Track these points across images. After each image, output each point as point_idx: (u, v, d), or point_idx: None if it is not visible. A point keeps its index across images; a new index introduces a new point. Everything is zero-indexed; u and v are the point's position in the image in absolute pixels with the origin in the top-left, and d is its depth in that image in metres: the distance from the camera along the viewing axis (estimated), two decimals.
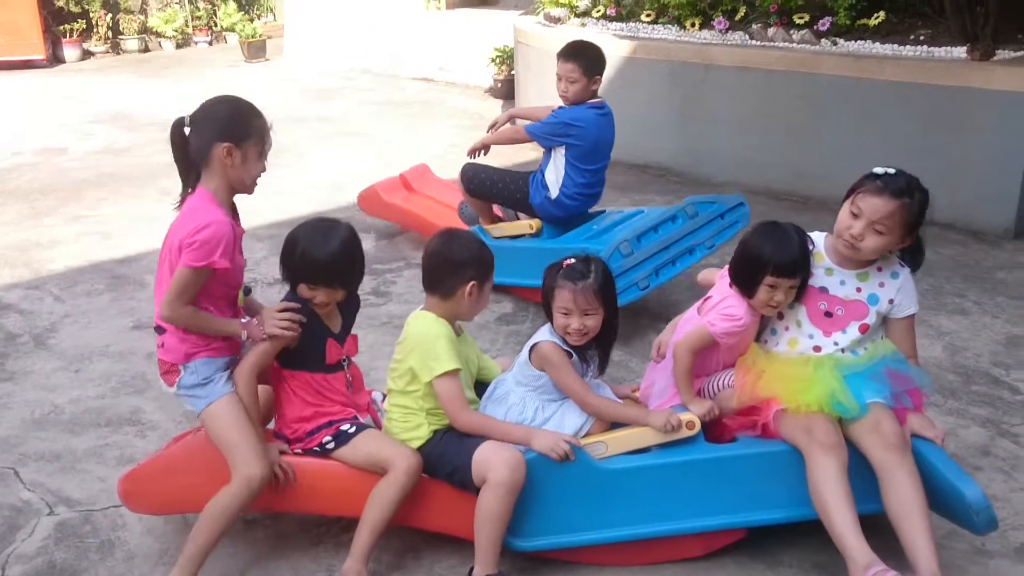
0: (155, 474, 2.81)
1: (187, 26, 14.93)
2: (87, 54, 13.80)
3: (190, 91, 10.86)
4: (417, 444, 2.74)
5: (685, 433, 2.71)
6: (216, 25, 15.27)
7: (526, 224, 4.64)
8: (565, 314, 2.69)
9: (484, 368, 3.01)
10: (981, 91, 5.56)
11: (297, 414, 2.82)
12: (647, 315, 4.48)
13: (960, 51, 5.85)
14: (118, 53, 14.22)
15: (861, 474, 2.60)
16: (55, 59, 13.31)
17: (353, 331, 2.95)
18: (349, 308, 2.94)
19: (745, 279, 2.78)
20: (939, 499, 2.61)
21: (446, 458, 2.69)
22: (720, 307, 2.83)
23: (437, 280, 2.74)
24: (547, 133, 4.51)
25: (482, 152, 4.90)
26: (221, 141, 2.69)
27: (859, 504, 2.62)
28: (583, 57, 4.48)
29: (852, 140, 6.08)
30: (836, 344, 2.78)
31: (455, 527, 2.76)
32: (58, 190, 6.85)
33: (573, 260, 2.73)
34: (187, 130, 2.73)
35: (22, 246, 5.65)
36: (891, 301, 2.78)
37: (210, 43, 15.11)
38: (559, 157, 4.51)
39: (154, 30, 14.64)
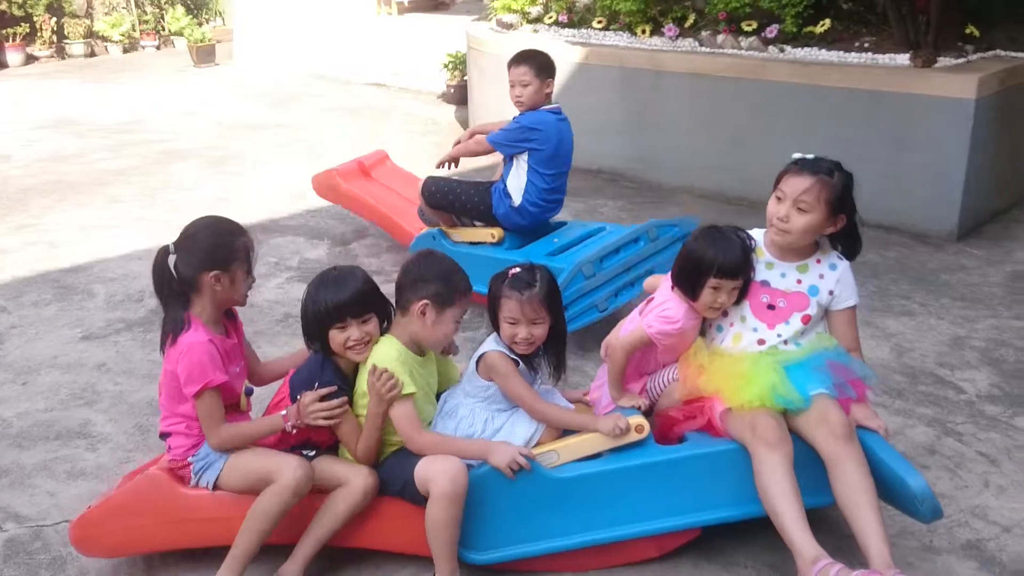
0: (105, 517, 2.76)
1: (134, 30, 14.72)
2: (31, 59, 13.54)
3: (138, 96, 10.73)
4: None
5: (635, 437, 2.73)
6: (164, 29, 15.07)
7: (488, 233, 4.65)
8: (512, 323, 2.70)
9: (452, 381, 3.00)
10: (923, 97, 5.69)
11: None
12: (603, 320, 4.50)
13: (903, 58, 5.97)
14: (63, 58, 13.96)
15: (811, 466, 2.65)
16: None
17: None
18: None
19: (688, 283, 2.83)
20: (886, 489, 2.67)
21: (395, 474, 2.70)
22: (658, 309, 2.89)
23: (398, 294, 2.75)
24: (509, 140, 4.53)
25: (451, 165, 4.89)
26: (208, 270, 2.66)
27: (810, 496, 2.68)
28: (533, 60, 4.53)
29: (799, 145, 5.96)
30: (780, 336, 2.85)
31: (410, 544, 2.75)
32: (2, 198, 6.72)
33: (518, 269, 2.75)
34: (172, 259, 2.69)
35: None
36: (831, 292, 2.86)
37: (158, 47, 14.90)
38: (521, 164, 4.52)
39: (100, 34, 14.41)
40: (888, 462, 2.62)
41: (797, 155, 2.85)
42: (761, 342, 2.86)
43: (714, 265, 2.76)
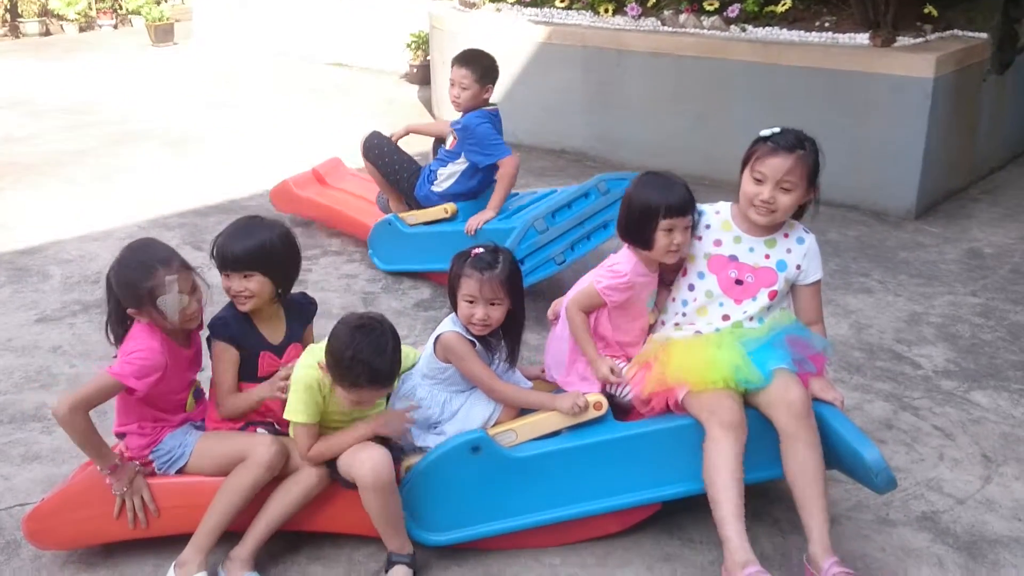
0: (58, 510, 2.71)
1: (90, 9, 14.45)
2: None
3: (95, 76, 10.54)
4: None
5: (593, 414, 2.74)
6: (121, 8, 14.81)
7: (441, 209, 4.63)
8: (470, 302, 2.69)
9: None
10: (882, 76, 5.73)
11: (215, 418, 2.82)
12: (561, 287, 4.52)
13: (863, 38, 6.01)
14: (17, 36, 13.70)
15: (768, 440, 2.66)
16: None
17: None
18: (298, 315, 2.93)
19: (639, 231, 2.78)
20: (841, 460, 2.70)
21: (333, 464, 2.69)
22: (607, 264, 2.88)
23: None
24: (489, 151, 4.54)
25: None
26: (128, 307, 2.63)
27: (764, 470, 2.73)
28: (477, 64, 4.57)
29: (761, 124, 5.97)
30: (745, 312, 2.84)
31: (363, 526, 2.71)
32: None
33: (481, 250, 2.73)
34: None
35: None
36: (798, 267, 2.85)
37: (115, 26, 14.66)
38: (461, 164, 4.64)
39: (55, 12, 14.14)
40: (843, 434, 2.64)
41: (764, 132, 2.80)
42: (726, 318, 2.85)
43: (661, 206, 2.71)
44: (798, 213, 2.87)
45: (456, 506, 2.71)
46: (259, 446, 2.62)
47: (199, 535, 2.62)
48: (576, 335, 2.89)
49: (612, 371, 2.82)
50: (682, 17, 6.71)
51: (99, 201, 6.13)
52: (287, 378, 2.65)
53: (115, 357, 2.64)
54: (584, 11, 7.26)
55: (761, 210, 2.76)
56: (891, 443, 3.42)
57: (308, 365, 2.61)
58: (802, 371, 2.73)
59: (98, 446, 2.62)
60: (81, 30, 14.28)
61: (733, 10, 6.53)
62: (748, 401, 2.71)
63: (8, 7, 13.55)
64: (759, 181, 2.74)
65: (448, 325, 2.75)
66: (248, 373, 2.80)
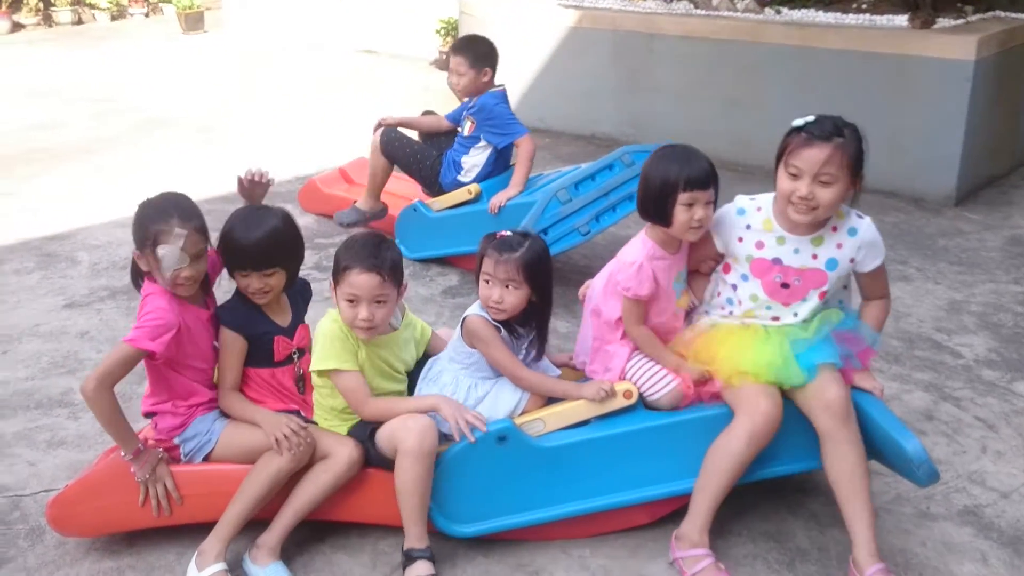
0: (81, 497, 2.68)
1: None
2: (17, 26, 13.33)
3: (125, 65, 10.57)
4: None
5: (622, 402, 2.66)
6: None
7: (464, 191, 4.59)
8: (487, 282, 2.62)
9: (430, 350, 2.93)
10: (921, 59, 5.60)
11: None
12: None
13: (901, 19, 5.87)
14: (50, 25, 13.76)
15: (806, 430, 2.58)
16: None
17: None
18: (299, 297, 2.87)
19: (657, 206, 2.64)
20: (881, 451, 2.62)
21: (360, 439, 2.64)
22: (619, 257, 2.76)
23: None
24: (506, 131, 4.59)
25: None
26: (136, 247, 2.61)
27: (802, 461, 2.69)
28: (469, 51, 4.66)
29: (795, 109, 5.94)
30: (796, 315, 2.68)
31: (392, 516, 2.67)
32: None
33: (509, 233, 2.66)
34: None
35: None
36: (852, 260, 2.64)
37: (147, 14, 14.68)
38: (484, 146, 4.64)
39: (87, 1, 14.19)
40: (884, 425, 2.55)
41: (798, 121, 2.54)
42: (775, 319, 2.71)
43: (680, 178, 2.59)
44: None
45: (483, 497, 2.65)
46: (342, 447, 2.59)
47: (222, 524, 2.58)
48: (648, 351, 2.75)
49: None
50: (715, 0, 6.59)
51: (126, 188, 6.11)
52: (287, 436, 2.57)
53: None
54: None
55: (800, 207, 2.53)
56: (931, 434, 3.32)
57: (331, 318, 2.62)
58: (848, 367, 2.63)
59: (123, 429, 2.58)
60: (113, 18, 14.31)
61: None
62: (787, 396, 2.62)
63: None
64: (795, 176, 2.50)
65: (474, 309, 2.69)
66: (264, 358, 2.74)
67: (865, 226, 2.64)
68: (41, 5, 13.63)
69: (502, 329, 2.67)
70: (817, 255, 2.64)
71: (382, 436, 2.58)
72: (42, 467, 3.14)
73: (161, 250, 2.52)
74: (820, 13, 6.21)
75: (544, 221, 4.04)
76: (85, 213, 5.59)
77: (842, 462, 2.52)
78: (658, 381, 2.72)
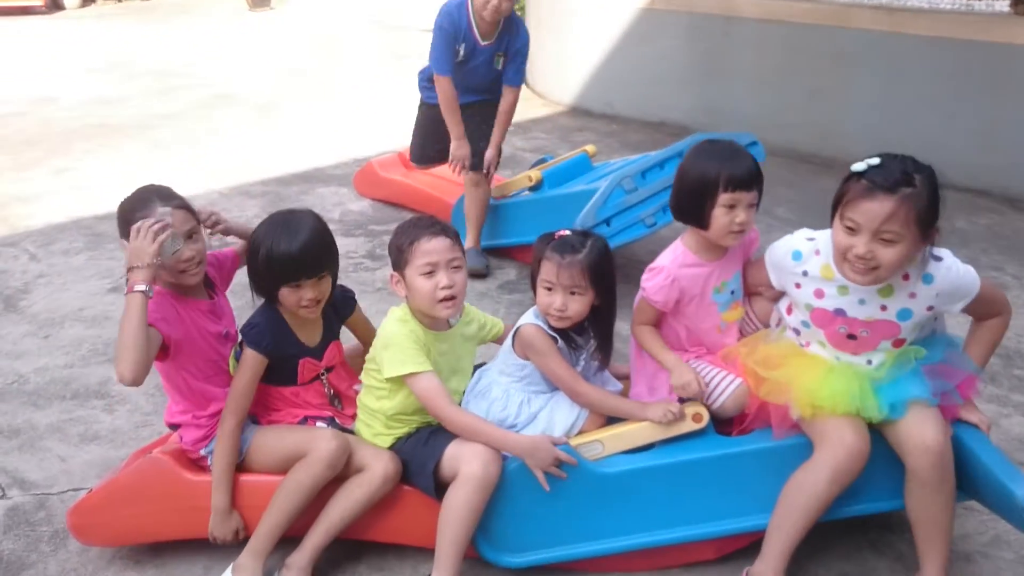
0: (104, 504, 2.52)
1: None
2: (87, 1, 13.44)
3: (190, 40, 10.54)
4: None
5: (691, 426, 2.40)
6: None
7: (524, 177, 4.36)
8: (548, 290, 2.36)
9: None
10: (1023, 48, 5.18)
11: (266, 418, 2.57)
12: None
13: (1003, 4, 5.47)
14: (120, 0, 13.84)
15: (894, 466, 2.30)
16: (54, 5, 12.99)
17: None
18: (333, 311, 2.64)
19: (695, 207, 2.40)
20: (982, 492, 2.32)
21: (411, 460, 2.41)
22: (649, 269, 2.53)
23: None
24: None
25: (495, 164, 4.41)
26: (121, 238, 2.43)
27: (888, 500, 2.40)
28: None
29: (882, 99, 5.71)
30: (871, 362, 2.37)
31: (418, 536, 2.47)
32: (44, 141, 6.56)
33: (568, 232, 2.40)
34: None
35: (2, 200, 5.36)
36: (930, 308, 2.29)
37: None
38: None
39: None
40: (988, 464, 2.25)
41: (858, 166, 2.15)
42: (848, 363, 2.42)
43: (720, 176, 2.34)
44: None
45: (534, 525, 2.41)
46: (319, 440, 2.37)
47: (256, 538, 2.39)
48: (648, 349, 2.54)
49: (691, 386, 2.41)
50: None
51: (182, 165, 6.01)
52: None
53: None
54: None
55: (858, 267, 2.17)
56: None
57: (398, 319, 2.42)
58: (946, 403, 2.31)
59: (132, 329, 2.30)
60: None
61: None
62: (876, 428, 2.32)
63: None
64: (852, 231, 2.14)
65: (529, 317, 2.44)
66: (287, 378, 2.53)
67: (942, 270, 2.24)
68: None
69: (558, 339, 2.42)
70: (887, 306, 2.29)
71: (444, 461, 2.35)
72: (73, 463, 2.99)
73: (137, 233, 2.31)
74: None
75: (607, 211, 3.77)
76: None
77: (929, 510, 2.24)
78: (719, 384, 2.46)
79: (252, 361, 2.46)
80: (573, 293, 2.35)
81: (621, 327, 3.72)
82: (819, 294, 2.35)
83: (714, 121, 6.50)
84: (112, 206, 5.14)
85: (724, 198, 2.37)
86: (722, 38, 6.38)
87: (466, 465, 2.31)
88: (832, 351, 2.40)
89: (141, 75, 8.71)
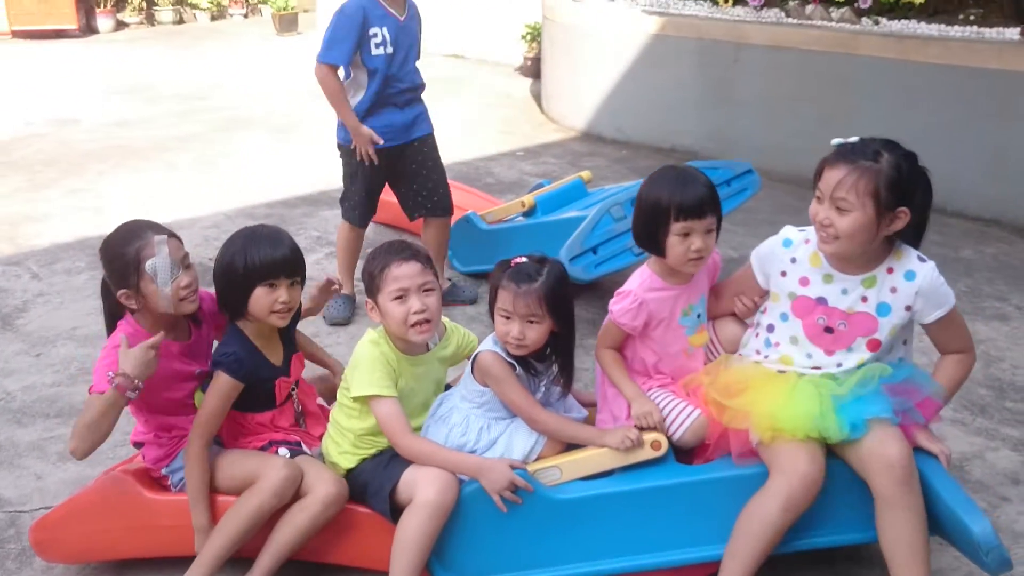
0: (65, 521, 2.53)
1: None
2: (120, 24, 13.71)
3: (217, 64, 10.70)
4: (343, 470, 2.47)
5: (649, 453, 2.37)
6: None
7: (518, 203, 4.36)
8: (505, 318, 2.36)
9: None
10: None
11: (232, 444, 2.58)
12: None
13: (1013, 32, 5.39)
14: (152, 24, 14.11)
15: (860, 496, 2.26)
16: (88, 29, 13.23)
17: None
18: (288, 330, 2.66)
19: (651, 235, 2.42)
20: (943, 528, 2.27)
21: (370, 482, 2.41)
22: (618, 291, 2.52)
23: None
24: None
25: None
26: (116, 289, 2.41)
27: (855, 532, 2.36)
28: None
29: (892, 127, 5.55)
30: (840, 365, 2.36)
31: (376, 559, 2.44)
32: (61, 162, 6.67)
33: (524, 259, 2.39)
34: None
35: (13, 220, 5.45)
36: (908, 308, 2.31)
37: (245, 15, 14.96)
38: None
39: (189, 1, 14.51)
40: (947, 499, 2.20)
41: (837, 140, 2.29)
42: (816, 368, 2.39)
43: (671, 205, 2.35)
44: (911, 237, 2.33)
45: (490, 550, 2.39)
46: (269, 468, 2.37)
47: (201, 559, 2.39)
48: (609, 376, 2.54)
49: (651, 416, 2.40)
50: (808, 8, 6.19)
51: (194, 188, 6.09)
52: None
53: None
54: (702, 1, 6.81)
55: (822, 235, 2.26)
56: (1016, 502, 2.92)
57: (371, 341, 2.44)
58: (907, 422, 2.28)
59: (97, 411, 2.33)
60: (213, 19, 14.61)
61: (866, 1, 5.98)
62: (837, 453, 2.29)
63: None
64: (818, 200, 2.26)
65: (488, 344, 2.43)
66: (264, 403, 2.55)
67: (925, 271, 2.30)
68: (144, 4, 13.98)
69: (517, 366, 2.40)
70: (867, 298, 2.32)
71: (401, 485, 2.35)
72: (48, 481, 3.02)
73: (151, 267, 2.34)
74: (922, 24, 5.76)
75: (594, 238, 3.76)
76: (146, 213, 5.46)
77: (900, 531, 2.19)
78: (678, 415, 2.45)
79: (227, 388, 2.45)
80: (531, 321, 2.34)
81: (588, 355, 3.71)
82: (804, 282, 2.38)
83: (723, 147, 6.47)
84: None
85: (676, 227, 2.38)
86: (731, 65, 6.36)
87: (421, 491, 2.31)
88: (806, 347, 2.39)
89: (164, 98, 8.85)
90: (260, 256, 2.43)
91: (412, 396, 2.48)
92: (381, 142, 3.90)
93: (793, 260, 2.40)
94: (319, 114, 8.16)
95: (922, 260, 2.32)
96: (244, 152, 6.99)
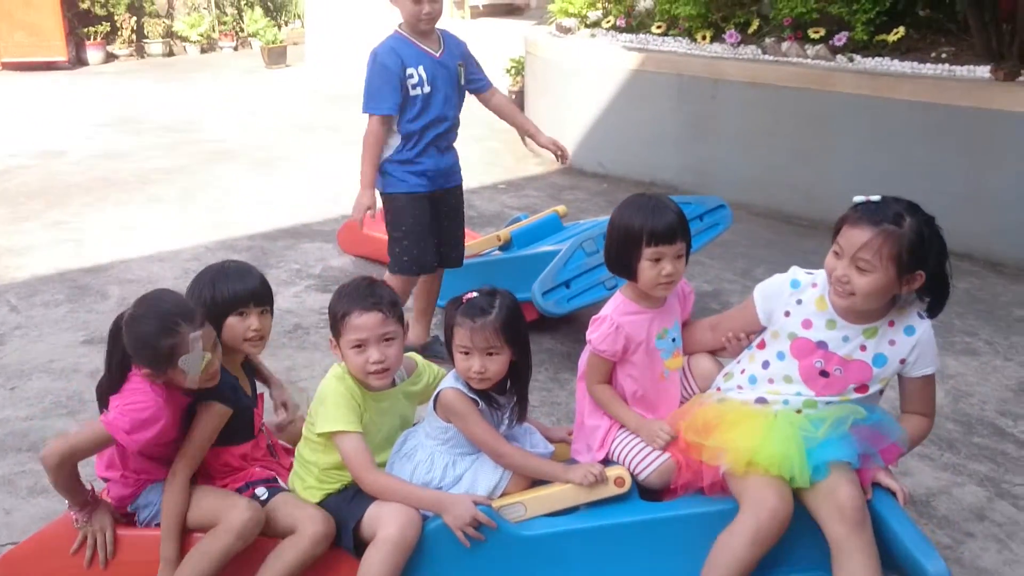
0: (32, 556, 2.51)
1: (212, 31, 14.88)
2: (110, 57, 13.80)
3: (204, 96, 10.77)
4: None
5: (613, 490, 2.39)
6: (243, 31, 15.21)
7: (494, 237, 4.40)
8: (465, 354, 2.38)
9: None
10: (1005, 113, 5.19)
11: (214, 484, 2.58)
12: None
13: (984, 70, 5.47)
14: (142, 57, 14.21)
15: (818, 533, 2.27)
16: (78, 61, 13.32)
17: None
18: (248, 362, 2.70)
19: (623, 260, 2.48)
20: (900, 566, 2.28)
21: (335, 517, 2.41)
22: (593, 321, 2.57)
23: None
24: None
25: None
26: (140, 367, 2.38)
27: (814, 570, 2.35)
28: None
29: (866, 162, 5.73)
30: (828, 404, 2.40)
31: None
32: (46, 194, 6.70)
33: (475, 294, 2.42)
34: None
35: None
36: (903, 361, 2.36)
37: (235, 48, 15.07)
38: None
39: (179, 34, 14.61)
40: (903, 537, 2.22)
41: (859, 198, 2.30)
42: (798, 410, 2.43)
43: (643, 231, 2.40)
44: (935, 302, 2.34)
45: None
46: (232, 510, 2.37)
47: None
48: (608, 410, 2.56)
49: (660, 436, 2.45)
50: (784, 45, 6.28)
51: (176, 220, 6.12)
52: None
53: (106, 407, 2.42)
54: (681, 38, 6.91)
55: (837, 289, 2.30)
56: (980, 538, 2.95)
57: (336, 376, 2.46)
58: (867, 466, 2.32)
59: (73, 490, 2.45)
60: (203, 51, 14.72)
61: (840, 39, 6.07)
62: (796, 497, 2.31)
63: (135, 28, 14.05)
64: (837, 255, 2.28)
65: (449, 381, 2.46)
66: (244, 434, 2.56)
67: (924, 328, 2.35)
68: (134, 37, 14.08)
69: (480, 401, 2.43)
70: (866, 347, 2.36)
71: (364, 521, 2.37)
72: (17, 516, 3.03)
73: (184, 363, 2.31)
74: (895, 62, 5.84)
75: (567, 272, 3.81)
76: (127, 245, 5.59)
77: (853, 573, 2.20)
78: (645, 457, 2.47)
79: (219, 418, 2.47)
80: (489, 354, 2.37)
81: (560, 393, 3.73)
82: (807, 324, 2.42)
83: (702, 181, 6.54)
84: (100, 259, 5.29)
85: (648, 252, 2.43)
86: (710, 100, 6.44)
87: (383, 528, 2.32)
88: (798, 387, 2.42)
89: (150, 130, 8.90)
90: (229, 288, 2.49)
91: (376, 431, 2.49)
92: (374, 217, 3.75)
93: (799, 302, 2.43)
94: (304, 147, 8.25)
95: (921, 317, 2.36)
96: (227, 185, 7.03)
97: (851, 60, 6.00)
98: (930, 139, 5.45)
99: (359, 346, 2.38)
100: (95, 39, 13.49)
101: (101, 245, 5.60)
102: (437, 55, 3.78)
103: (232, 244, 5.65)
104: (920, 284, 2.27)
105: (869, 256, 2.20)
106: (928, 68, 5.71)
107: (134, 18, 14.02)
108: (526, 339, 2.45)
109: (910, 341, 2.34)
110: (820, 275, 2.41)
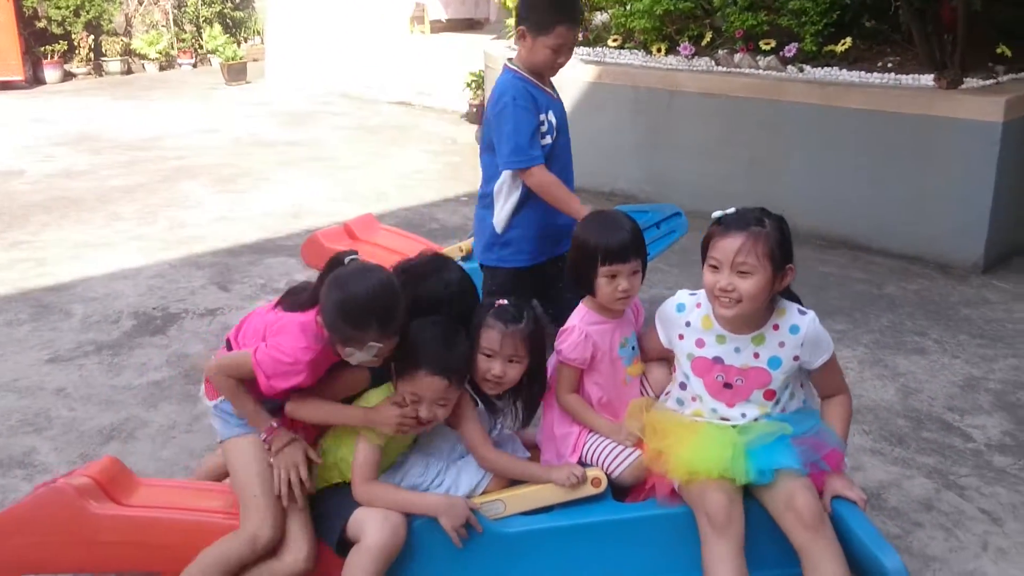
0: (1, 532, 2.52)
1: (171, 48, 14.82)
2: (68, 75, 13.69)
3: (164, 114, 10.74)
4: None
5: (590, 490, 2.47)
6: (201, 48, 15.17)
7: (456, 248, 4.46)
8: (488, 356, 2.46)
9: None
10: (948, 120, 5.37)
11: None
12: None
13: (928, 79, 5.66)
14: (100, 75, 14.11)
15: (778, 531, 2.37)
16: (35, 80, 13.20)
17: None
18: None
19: (581, 276, 2.58)
20: (857, 564, 2.38)
21: (324, 514, 2.46)
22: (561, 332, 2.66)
23: None
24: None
25: None
26: (330, 333, 2.32)
27: (778, 567, 2.42)
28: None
29: (817, 169, 5.89)
30: (744, 415, 2.51)
31: None
32: (4, 214, 6.66)
33: (506, 302, 2.52)
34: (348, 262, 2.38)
35: None
36: (796, 358, 2.47)
37: (194, 65, 15.01)
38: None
39: (137, 52, 14.54)
40: (862, 536, 2.31)
41: (717, 213, 2.43)
42: (724, 420, 2.53)
43: (598, 250, 2.51)
44: (785, 293, 2.50)
45: None
46: (253, 517, 2.38)
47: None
48: (580, 419, 2.64)
49: (632, 436, 2.55)
50: (737, 57, 6.44)
51: (138, 238, 6.12)
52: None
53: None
54: (636, 50, 7.05)
55: (724, 300, 2.38)
56: (928, 527, 3.07)
57: (384, 394, 2.47)
58: (815, 471, 2.42)
59: (248, 406, 2.42)
60: (161, 68, 14.65)
61: (790, 50, 6.24)
62: (755, 496, 2.41)
63: (92, 47, 13.96)
64: (715, 268, 2.37)
65: None
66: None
67: (807, 323, 2.46)
68: (92, 55, 13.99)
69: (480, 402, 2.52)
70: (759, 354, 2.47)
71: (351, 523, 2.41)
72: None
73: (349, 353, 2.33)
74: (844, 71, 6.02)
75: None
76: (89, 263, 5.59)
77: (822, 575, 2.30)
78: (617, 455, 2.56)
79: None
80: (512, 361, 2.46)
81: None
82: (700, 343, 2.52)
83: (660, 190, 6.66)
84: (62, 277, 5.30)
85: (604, 270, 2.53)
86: (666, 111, 6.58)
87: (369, 534, 2.35)
88: (710, 403, 2.53)
89: (109, 148, 8.87)
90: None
91: (393, 451, 2.53)
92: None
93: (688, 324, 2.54)
94: (264, 163, 8.27)
95: (803, 313, 2.48)
96: (188, 202, 7.04)
97: (801, 70, 6.17)
98: (878, 145, 5.62)
99: (414, 401, 2.39)
100: (52, 58, 13.38)
101: (62, 264, 5.60)
102: (555, 97, 3.48)
103: (195, 260, 5.67)
104: (792, 279, 2.42)
105: (745, 258, 2.32)
106: (875, 77, 5.88)
107: (91, 36, 13.91)
108: (545, 354, 2.55)
109: (798, 339, 2.45)
110: (703, 295, 2.51)
